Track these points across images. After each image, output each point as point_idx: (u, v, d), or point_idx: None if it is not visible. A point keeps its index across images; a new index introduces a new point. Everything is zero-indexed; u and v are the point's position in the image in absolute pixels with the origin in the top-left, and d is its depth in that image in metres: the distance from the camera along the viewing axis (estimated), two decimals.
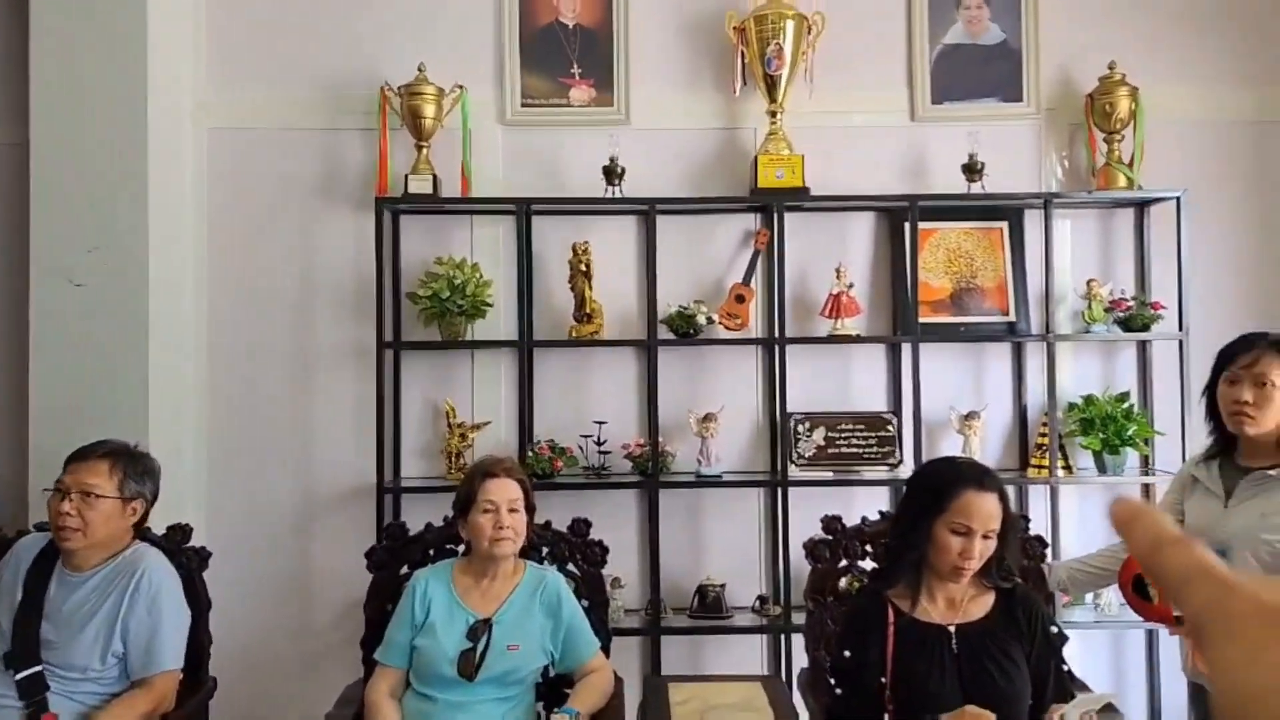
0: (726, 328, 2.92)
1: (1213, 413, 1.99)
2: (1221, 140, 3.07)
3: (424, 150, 2.89)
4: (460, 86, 2.94)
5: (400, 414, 2.97)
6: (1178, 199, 2.89)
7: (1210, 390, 1.99)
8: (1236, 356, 1.92)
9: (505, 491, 2.04)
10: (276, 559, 2.98)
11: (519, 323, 2.87)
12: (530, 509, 2.11)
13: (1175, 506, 2.09)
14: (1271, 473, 1.88)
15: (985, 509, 1.75)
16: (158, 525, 2.27)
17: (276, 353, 3.00)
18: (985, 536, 1.75)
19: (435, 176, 2.88)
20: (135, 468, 2.09)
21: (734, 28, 2.93)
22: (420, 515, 2.46)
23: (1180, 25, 3.08)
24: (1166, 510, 2.12)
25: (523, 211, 2.88)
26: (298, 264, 3.00)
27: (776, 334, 2.87)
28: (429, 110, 2.86)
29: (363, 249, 2.96)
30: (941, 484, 1.79)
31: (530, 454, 2.85)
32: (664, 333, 2.88)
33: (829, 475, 2.89)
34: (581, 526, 2.32)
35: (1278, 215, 3.08)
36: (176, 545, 2.24)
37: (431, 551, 2.29)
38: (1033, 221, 3.00)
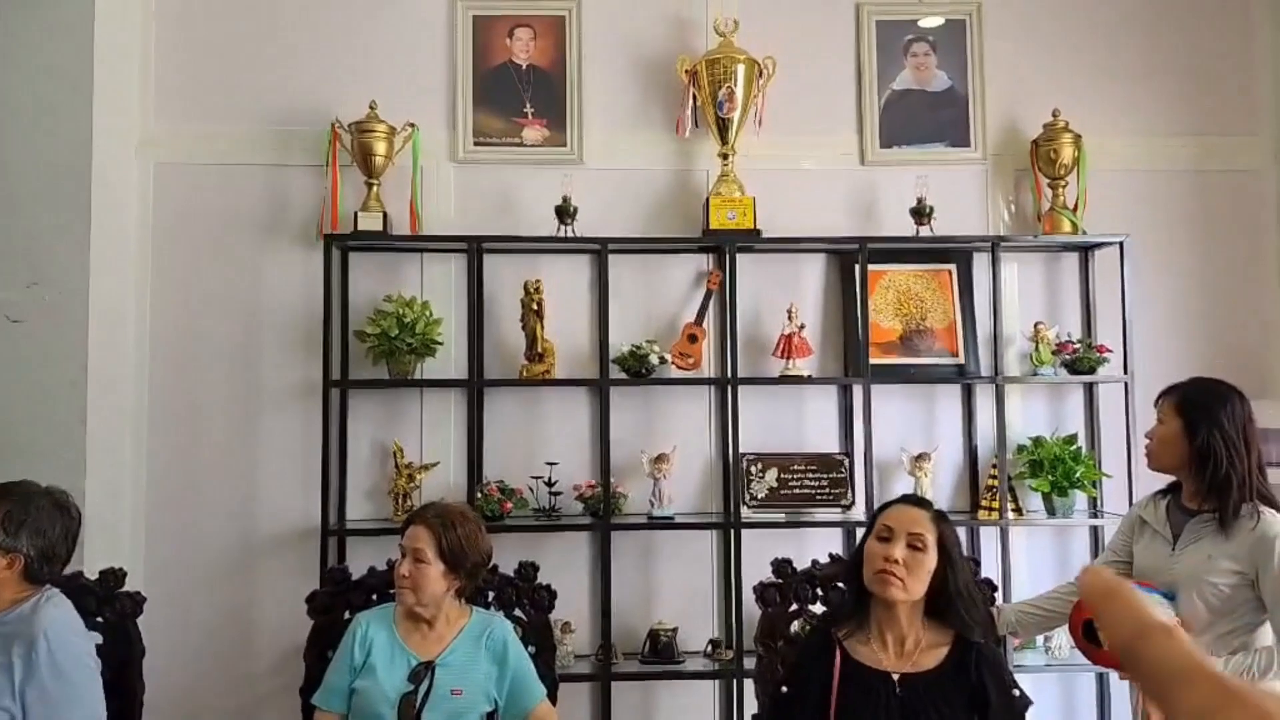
0: (679, 367, 3.00)
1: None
2: (1163, 188, 3.23)
3: (374, 187, 2.96)
4: (412, 125, 3.02)
5: (347, 454, 2.99)
6: (1121, 244, 3.03)
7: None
8: (885, 513, 1.91)
9: (413, 539, 2.06)
10: (216, 604, 2.98)
11: (469, 362, 2.91)
12: (449, 560, 2.06)
13: (1125, 548, 2.17)
14: (1213, 515, 1.97)
15: (908, 515, 1.81)
16: (92, 569, 2.28)
17: (220, 391, 3.02)
18: (913, 546, 1.77)
19: (385, 214, 2.94)
20: (12, 517, 1.90)
21: (686, 71, 3.05)
22: (366, 558, 2.48)
23: (1121, 75, 3.26)
24: (1115, 551, 2.21)
25: (474, 249, 2.94)
26: (244, 301, 3.03)
27: (729, 374, 2.94)
28: (380, 148, 2.93)
29: (310, 286, 3.00)
30: (877, 510, 1.90)
31: (479, 495, 2.88)
32: (616, 372, 2.94)
33: (781, 517, 2.96)
34: (529, 570, 2.37)
35: (1217, 262, 3.24)
36: (109, 591, 2.25)
37: (374, 596, 2.32)
38: (981, 265, 3.12)
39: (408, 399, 3.04)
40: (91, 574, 2.28)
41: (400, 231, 3.00)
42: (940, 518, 1.85)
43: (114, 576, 2.28)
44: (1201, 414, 1.97)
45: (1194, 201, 3.25)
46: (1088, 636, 1.93)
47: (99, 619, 2.19)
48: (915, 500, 1.94)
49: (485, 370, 3.00)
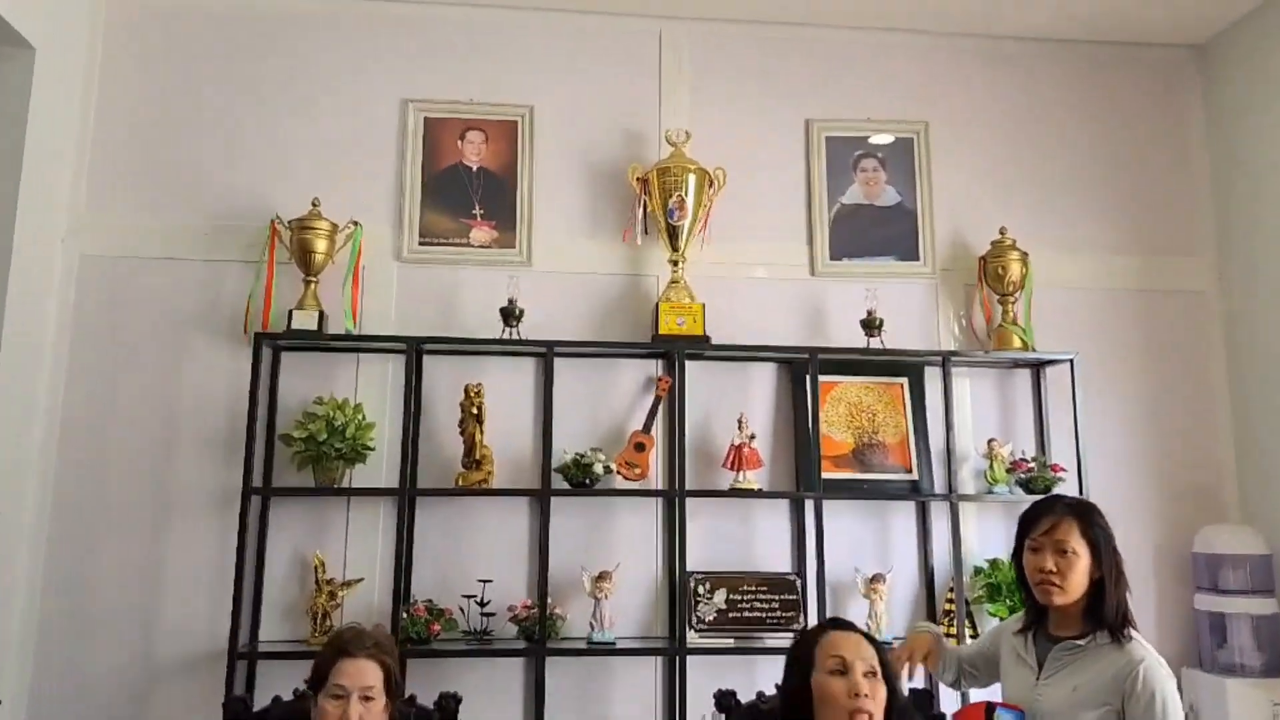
0: (625, 477, 2.93)
1: (1022, 581, 1.96)
2: (1110, 306, 3.31)
3: (312, 285, 2.91)
4: (355, 223, 2.99)
5: (264, 568, 2.84)
6: (1071, 362, 3.06)
7: (1017, 558, 1.96)
8: (1036, 522, 1.90)
9: (360, 677, 1.84)
10: None
11: (402, 469, 2.80)
12: (392, 692, 1.91)
13: (983, 654, 2.06)
14: (1080, 642, 1.85)
15: (853, 641, 1.74)
16: None
17: (131, 495, 2.87)
18: (869, 674, 1.71)
19: (322, 312, 2.89)
20: None
21: (637, 178, 3.09)
22: (280, 684, 2.34)
23: (1067, 195, 3.37)
24: (972, 654, 2.10)
25: (413, 350, 2.88)
26: (165, 400, 2.92)
27: (677, 485, 2.88)
28: (320, 245, 2.90)
29: (237, 387, 2.92)
30: (805, 640, 1.79)
31: (405, 616, 2.73)
32: (558, 482, 2.86)
33: (730, 642, 2.83)
34: (449, 703, 2.19)
35: (1167, 381, 3.29)
36: None
37: None
38: (932, 379, 3.14)
39: (333, 509, 2.91)
40: None
41: (337, 331, 2.93)
42: (879, 648, 1.78)
43: None
44: (1105, 540, 1.88)
45: (1141, 320, 3.32)
46: None
47: None
48: (854, 628, 1.83)
49: (418, 478, 2.90)
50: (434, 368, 3.00)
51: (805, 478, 2.99)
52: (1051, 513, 1.90)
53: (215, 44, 3.15)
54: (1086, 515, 1.88)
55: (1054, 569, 1.86)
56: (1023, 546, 1.92)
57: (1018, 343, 3.09)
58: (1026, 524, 1.93)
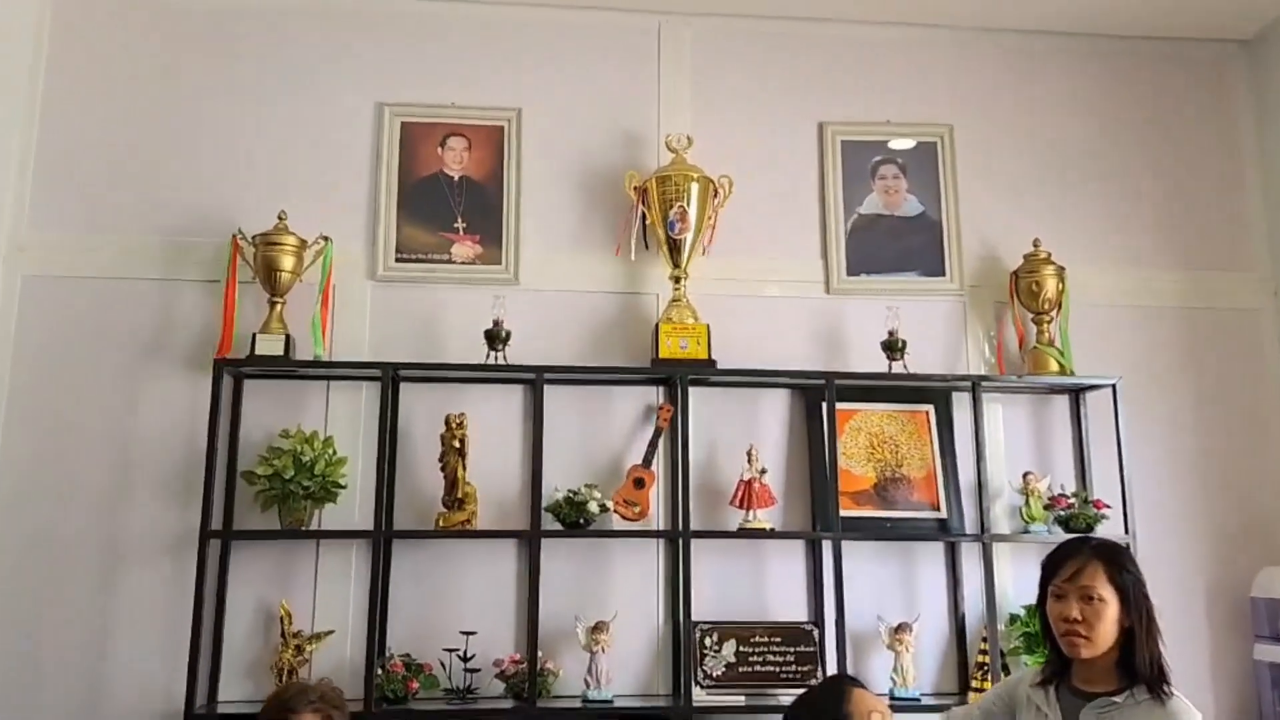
0: (623, 517, 2.88)
1: (1046, 631, 1.92)
2: (1155, 325, 3.25)
3: (278, 307, 2.86)
4: (325, 238, 2.95)
5: (224, 619, 2.78)
6: (1114, 387, 3.00)
7: (1041, 606, 1.93)
8: (1060, 566, 1.87)
9: None
10: None
11: (376, 509, 2.75)
12: None
13: (994, 710, 2.02)
14: (1118, 699, 1.80)
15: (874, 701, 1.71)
16: None
17: (76, 539, 2.80)
18: None
19: (289, 336, 2.84)
20: None
21: (634, 188, 3.05)
22: None
23: (1107, 204, 3.32)
24: (985, 708, 2.05)
25: (389, 377, 2.82)
26: (115, 434, 2.87)
27: (680, 526, 2.82)
28: (287, 262, 2.85)
29: (195, 419, 2.86)
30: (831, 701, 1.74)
31: (380, 672, 2.65)
32: (550, 522, 2.81)
33: (740, 700, 2.76)
34: None
35: (1218, 406, 3.23)
36: None
37: None
38: (961, 406, 3.08)
39: (301, 553, 2.85)
40: None
41: (305, 356, 2.87)
42: None
43: None
44: (1135, 586, 1.83)
45: (1190, 341, 3.26)
46: None
47: None
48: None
49: (395, 519, 2.86)
50: (412, 397, 2.95)
51: (822, 516, 2.93)
52: (1076, 556, 1.86)
53: (171, 45, 3.11)
54: (1115, 558, 1.85)
55: (1080, 618, 1.82)
56: (1046, 593, 1.89)
57: (1054, 366, 3.04)
58: (1050, 569, 1.90)
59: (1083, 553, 1.86)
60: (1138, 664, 1.79)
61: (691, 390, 2.96)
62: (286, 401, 2.91)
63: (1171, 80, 3.44)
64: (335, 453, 2.81)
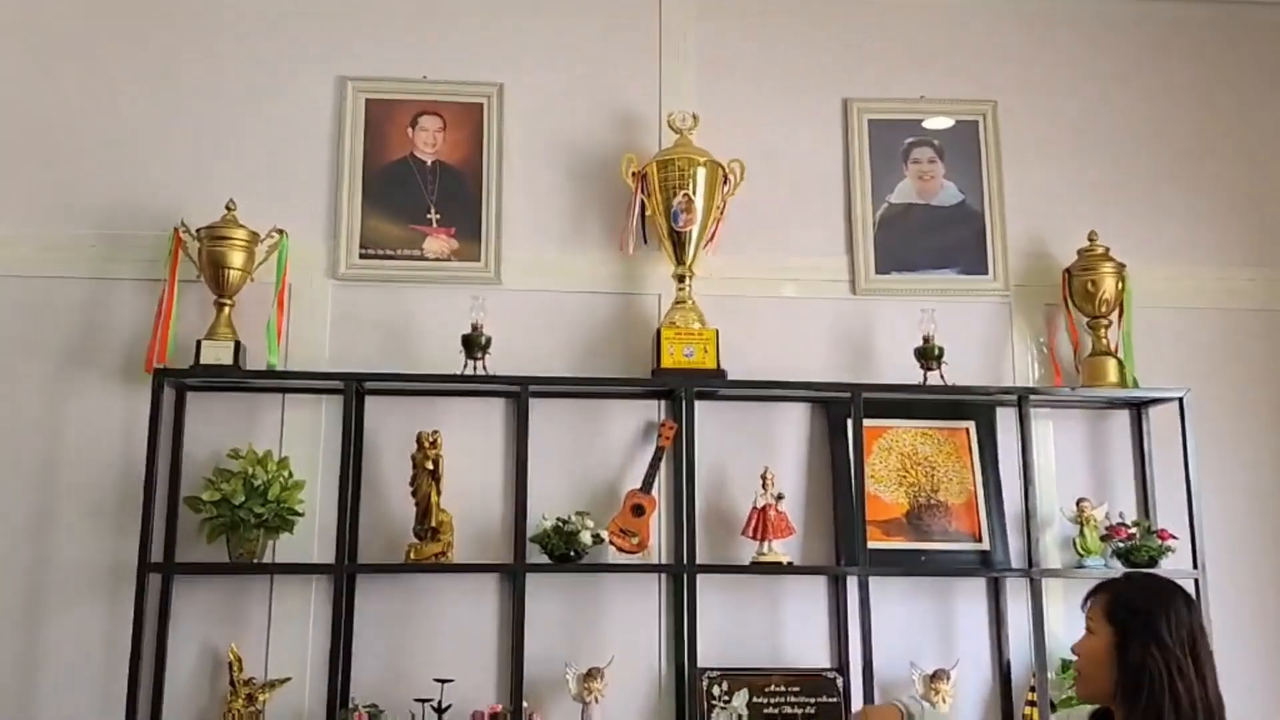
0: (620, 549, 2.86)
1: None
2: (1228, 330, 3.23)
3: (226, 309, 2.86)
4: (280, 231, 2.93)
5: (165, 664, 2.76)
6: (1180, 401, 2.96)
7: None
8: (1084, 602, 1.94)
9: None
10: None
11: (339, 540, 2.73)
12: None
13: None
14: None
15: None
16: None
17: None
18: None
19: (239, 343, 2.83)
20: None
21: (633, 173, 3.03)
22: None
23: (1173, 192, 3.30)
24: None
25: (353, 390, 2.81)
26: (40, 454, 2.87)
27: (685, 559, 2.81)
28: (236, 259, 2.83)
29: (132, 436, 2.85)
30: None
31: None
32: (536, 555, 2.79)
33: None
34: None
35: None
36: None
37: None
38: (1006, 422, 3.06)
39: (253, 590, 2.83)
40: None
41: (257, 366, 2.85)
42: None
43: None
44: (1137, 621, 1.81)
45: (1267, 348, 3.26)
46: None
47: None
48: None
49: (360, 551, 2.85)
50: (379, 412, 2.94)
51: (847, 549, 2.90)
52: (1100, 589, 1.93)
53: (104, 13, 3.08)
54: (1124, 591, 1.88)
55: (1076, 653, 1.91)
56: None
57: (1113, 376, 3.00)
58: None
59: (1104, 584, 1.91)
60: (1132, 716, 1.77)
61: (698, 405, 2.91)
62: (236, 417, 2.90)
63: (1250, 50, 3.40)
64: (291, 475, 2.81)
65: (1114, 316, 3.05)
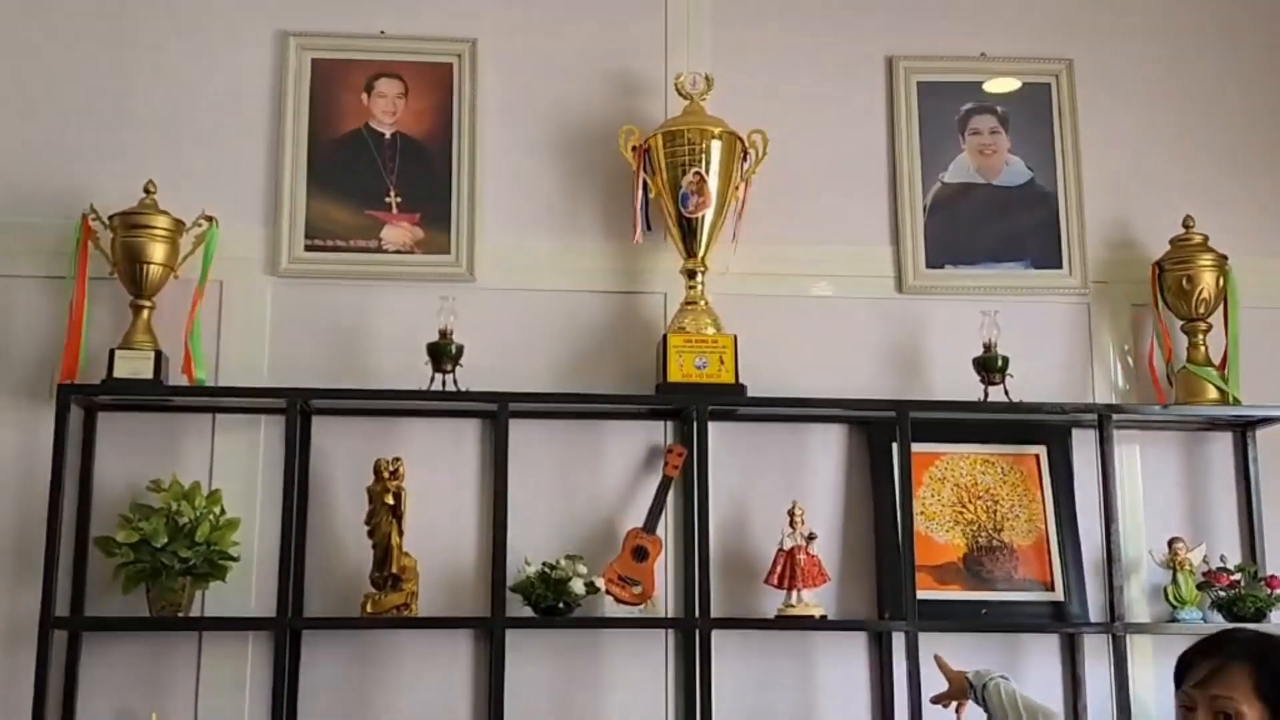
0: (619, 600, 2.89)
1: None
2: None
3: (145, 313, 2.87)
4: (209, 218, 2.94)
5: None
6: None
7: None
8: (1190, 669, 1.89)
9: None
10: None
11: (280, 589, 2.74)
12: None
13: None
14: None
15: None
16: None
17: None
18: None
19: (160, 353, 2.84)
20: None
21: (633, 147, 3.04)
22: None
23: None
24: None
25: (297, 410, 2.83)
26: None
27: (698, 612, 2.82)
28: (157, 252, 2.84)
29: (32, 464, 2.87)
30: None
31: None
32: (518, 607, 2.81)
33: None
34: None
35: None
36: None
37: None
38: (1084, 447, 3.08)
39: (179, 648, 2.85)
40: None
41: (182, 380, 2.87)
42: None
43: None
44: None
45: None
46: None
47: None
48: None
49: (306, 603, 2.87)
50: (329, 435, 2.97)
51: (892, 599, 2.93)
52: (1214, 654, 1.87)
53: None
54: (1264, 660, 1.82)
55: None
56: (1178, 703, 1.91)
57: (1213, 392, 3.02)
58: (1179, 669, 1.93)
59: (1224, 649, 1.87)
60: None
61: (712, 426, 2.93)
62: (157, 442, 2.92)
63: None
64: (224, 512, 2.81)
65: (1215, 319, 3.05)
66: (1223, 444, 3.13)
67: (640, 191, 3.03)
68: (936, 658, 2.57)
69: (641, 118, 3.10)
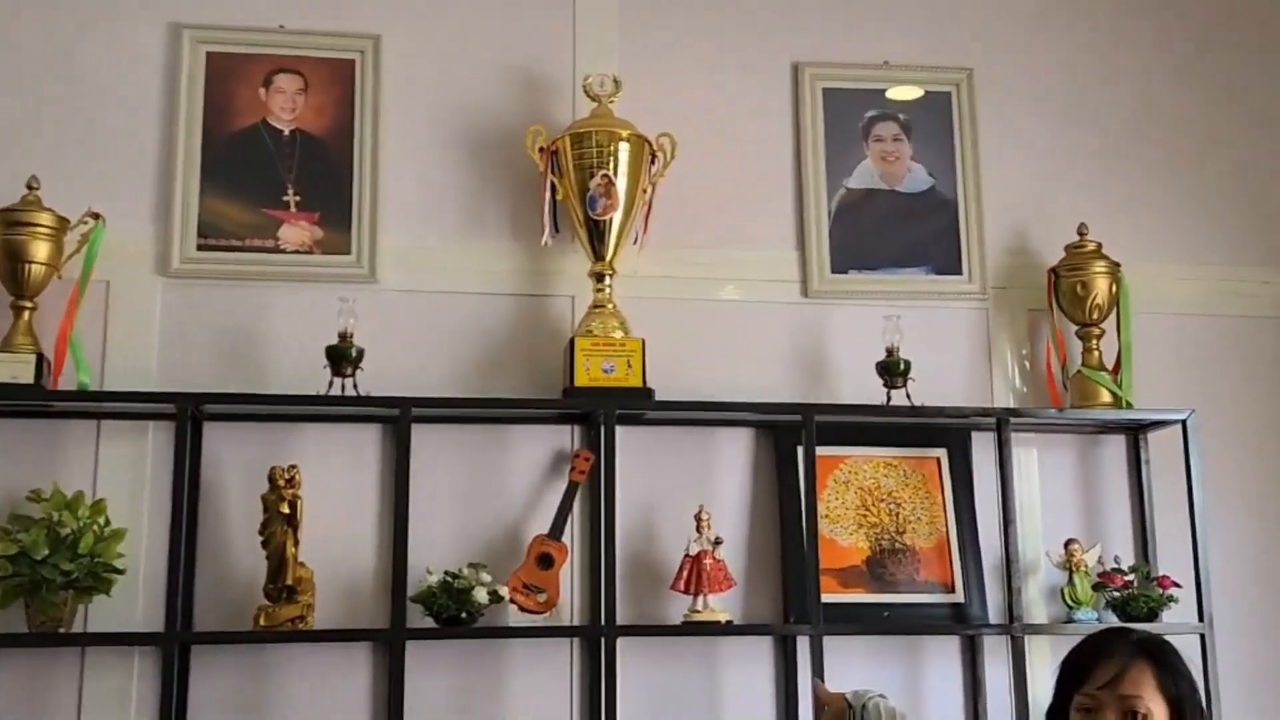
0: (523, 609, 2.87)
1: None
2: (1239, 341, 3.35)
3: (26, 314, 2.81)
4: (95, 215, 2.86)
5: None
6: (1184, 424, 3.06)
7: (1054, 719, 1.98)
8: (1092, 671, 1.89)
9: None
10: None
11: (169, 603, 2.68)
12: None
13: None
14: None
15: None
16: None
17: None
18: None
19: (41, 356, 2.77)
20: None
21: (541, 149, 3.03)
22: None
23: (1176, 183, 3.41)
24: None
25: (187, 415, 2.77)
26: None
27: (604, 619, 2.83)
28: (40, 250, 2.78)
29: None
30: None
31: None
32: (419, 617, 2.79)
33: None
34: None
35: None
36: None
37: None
38: (983, 449, 3.13)
39: (59, 666, 2.76)
40: None
41: (65, 385, 2.80)
42: None
43: None
44: (1191, 694, 1.88)
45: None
46: None
47: None
48: None
49: (196, 617, 2.82)
50: (221, 442, 2.91)
51: (797, 603, 2.95)
52: (1115, 654, 1.89)
53: None
54: (1166, 658, 1.88)
55: None
56: (1066, 705, 1.91)
57: (1107, 396, 3.10)
58: (1074, 671, 1.94)
59: (1123, 650, 1.89)
60: None
61: (620, 431, 2.91)
62: (36, 449, 2.86)
63: (1260, 21, 3.51)
64: (109, 523, 2.74)
65: (1108, 325, 3.12)
66: (1116, 447, 3.21)
67: (548, 193, 3.01)
68: (814, 682, 2.56)
69: (549, 118, 3.10)
